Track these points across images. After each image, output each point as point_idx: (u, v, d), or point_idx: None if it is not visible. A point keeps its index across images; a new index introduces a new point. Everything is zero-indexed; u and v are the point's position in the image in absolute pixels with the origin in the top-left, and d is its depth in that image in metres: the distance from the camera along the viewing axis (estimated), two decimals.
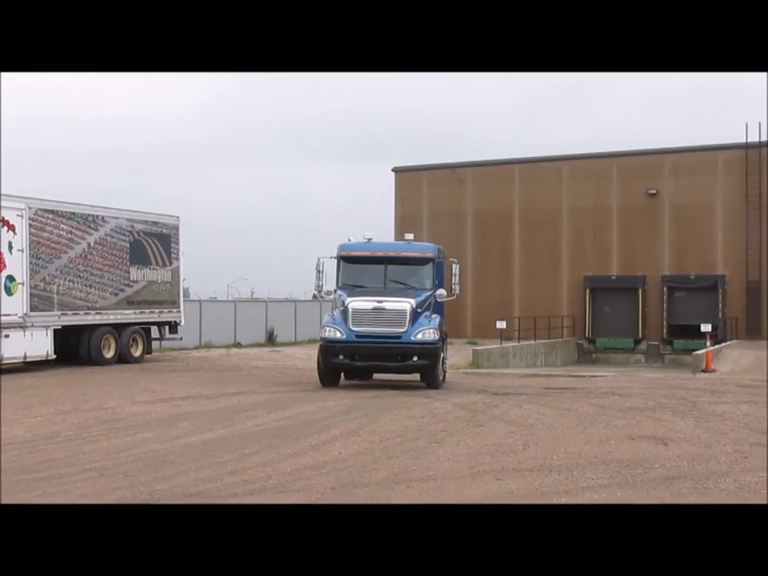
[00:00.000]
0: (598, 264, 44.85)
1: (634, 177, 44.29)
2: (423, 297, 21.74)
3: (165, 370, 27.18)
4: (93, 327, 28.44)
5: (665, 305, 43.23)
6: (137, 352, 30.12)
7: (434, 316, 21.77)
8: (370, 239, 22.98)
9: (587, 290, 44.63)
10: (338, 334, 21.21)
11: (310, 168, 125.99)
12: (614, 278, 44.49)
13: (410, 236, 23.70)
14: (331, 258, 22.82)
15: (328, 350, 21.39)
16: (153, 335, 31.57)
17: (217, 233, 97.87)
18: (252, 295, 60.81)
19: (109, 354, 28.89)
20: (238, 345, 40.95)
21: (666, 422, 15.50)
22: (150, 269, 30.81)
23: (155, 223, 31.18)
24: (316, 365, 22.62)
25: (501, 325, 33.98)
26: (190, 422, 15.48)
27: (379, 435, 13.94)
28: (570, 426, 14.99)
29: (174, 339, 32.96)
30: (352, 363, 21.42)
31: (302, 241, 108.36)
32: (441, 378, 22.12)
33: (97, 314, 28.61)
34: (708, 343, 33.87)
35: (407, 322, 21.09)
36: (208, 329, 40.23)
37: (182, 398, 19.28)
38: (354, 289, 22.03)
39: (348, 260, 22.61)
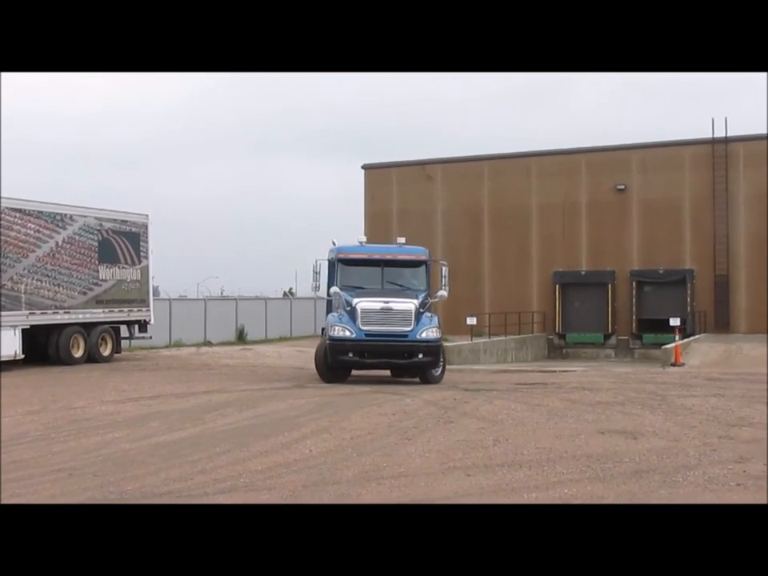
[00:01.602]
0: (567, 259, 45.07)
1: (603, 172, 44.53)
2: (422, 297, 22.89)
3: (134, 370, 27.04)
4: (61, 327, 28.24)
5: (634, 299, 43.52)
6: (106, 351, 29.95)
7: (433, 316, 23.08)
8: (363, 242, 24.43)
9: (557, 286, 44.84)
10: (347, 333, 22.15)
11: (278, 166, 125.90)
12: (583, 273, 44.72)
13: (401, 240, 24.87)
14: (329, 260, 24.07)
15: (337, 347, 22.16)
16: (122, 334, 31.39)
17: (186, 231, 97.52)
18: (222, 293, 60.70)
19: (78, 353, 28.70)
20: (208, 343, 40.81)
21: (636, 416, 15.58)
22: (119, 267, 30.63)
23: (124, 221, 30.99)
24: (314, 363, 23.28)
25: (471, 321, 34.03)
26: (159, 421, 15.40)
27: (350, 433, 13.93)
28: (541, 422, 15.04)
29: (143, 338, 32.79)
30: (361, 360, 22.35)
31: (272, 238, 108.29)
32: (439, 373, 23.16)
33: (65, 313, 28.41)
34: (677, 337, 34.09)
35: (413, 321, 22.23)
36: (178, 327, 40.06)
37: (151, 397, 19.19)
38: (355, 290, 22.93)
39: (346, 262, 23.66)
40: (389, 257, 23.91)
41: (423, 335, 22.29)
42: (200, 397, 19.13)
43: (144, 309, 31.92)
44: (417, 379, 23.74)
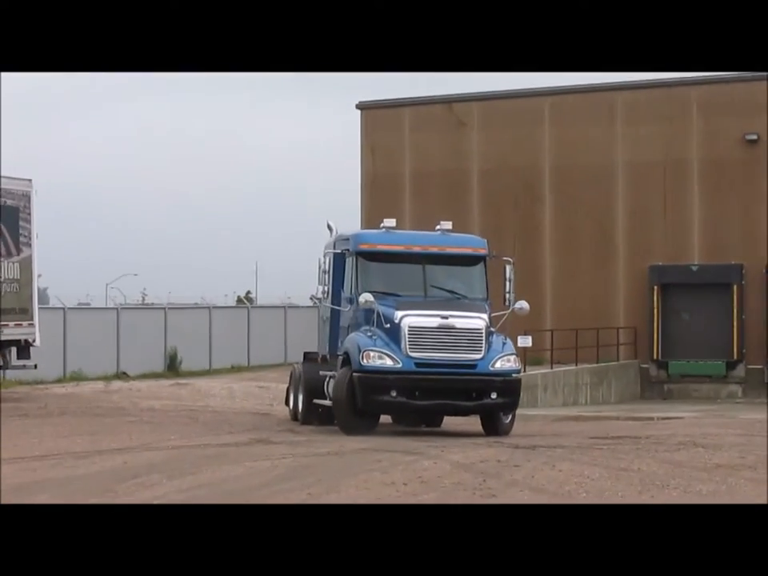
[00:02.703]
0: (671, 248, 45.11)
1: (724, 114, 44.50)
2: (489, 310, 23.39)
3: (11, 415, 27.10)
4: None
5: None
6: None
7: (506, 338, 23.39)
8: (391, 228, 24.59)
9: (655, 288, 44.86)
10: (389, 362, 22.42)
11: (233, 104, 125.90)
12: (695, 268, 44.75)
13: (447, 224, 25.04)
14: (335, 253, 24.44)
15: (373, 383, 22.41)
16: None
17: (89, 208, 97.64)
18: (144, 299, 60.81)
19: None
20: (122, 375, 40.89)
21: None
22: None
23: None
24: (334, 402, 23.42)
25: (524, 342, 33.95)
26: (50, 493, 15.46)
27: None
28: (630, 495, 15.08)
29: (24, 367, 32.87)
30: (409, 402, 22.67)
31: (218, 219, 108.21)
32: (510, 419, 23.53)
33: None
34: None
35: (483, 345, 22.56)
36: (77, 351, 40.12)
37: (37, 457, 19.25)
38: (388, 297, 23.22)
39: (370, 257, 23.95)
40: (434, 249, 24.34)
41: (498, 366, 22.68)
42: (111, 457, 19.19)
43: (25, 322, 32.00)
44: (437, 428, 23.90)
